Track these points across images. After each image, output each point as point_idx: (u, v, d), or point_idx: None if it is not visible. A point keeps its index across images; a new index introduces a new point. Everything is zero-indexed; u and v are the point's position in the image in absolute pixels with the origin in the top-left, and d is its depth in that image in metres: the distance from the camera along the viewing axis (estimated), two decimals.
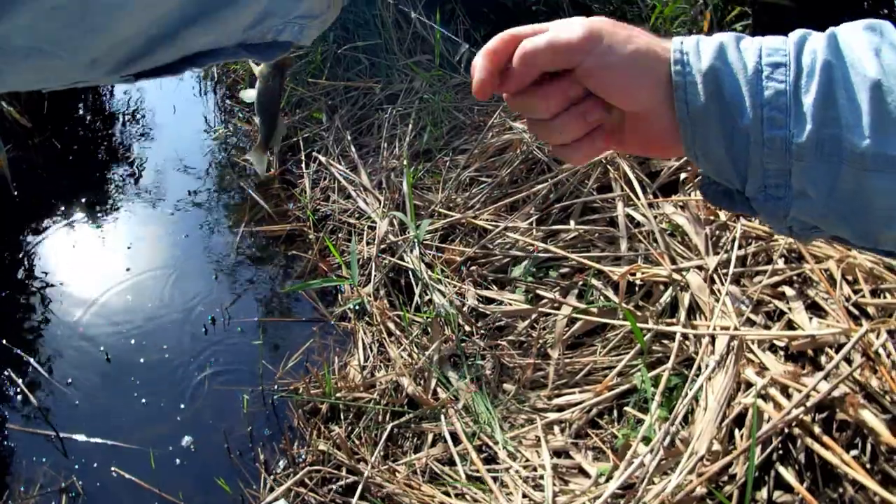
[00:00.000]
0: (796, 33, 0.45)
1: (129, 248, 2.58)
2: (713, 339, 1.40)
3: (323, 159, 2.76)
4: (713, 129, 0.45)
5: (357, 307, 2.12)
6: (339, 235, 2.46)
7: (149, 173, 3.01)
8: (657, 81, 0.46)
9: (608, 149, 0.51)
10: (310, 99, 3.16)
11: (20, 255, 2.58)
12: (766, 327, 1.38)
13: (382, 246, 2.26)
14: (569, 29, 0.45)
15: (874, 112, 0.41)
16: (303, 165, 2.79)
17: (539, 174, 2.13)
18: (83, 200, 2.83)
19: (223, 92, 3.66)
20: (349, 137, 2.81)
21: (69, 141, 3.20)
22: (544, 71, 0.46)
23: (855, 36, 0.44)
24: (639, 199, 1.79)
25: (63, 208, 2.80)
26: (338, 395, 1.87)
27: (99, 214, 2.77)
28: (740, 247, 1.52)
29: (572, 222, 1.91)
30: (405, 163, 2.46)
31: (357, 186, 2.60)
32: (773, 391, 1.25)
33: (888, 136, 0.41)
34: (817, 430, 1.16)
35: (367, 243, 2.31)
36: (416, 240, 2.16)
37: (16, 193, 2.66)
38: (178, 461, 1.86)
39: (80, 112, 3.56)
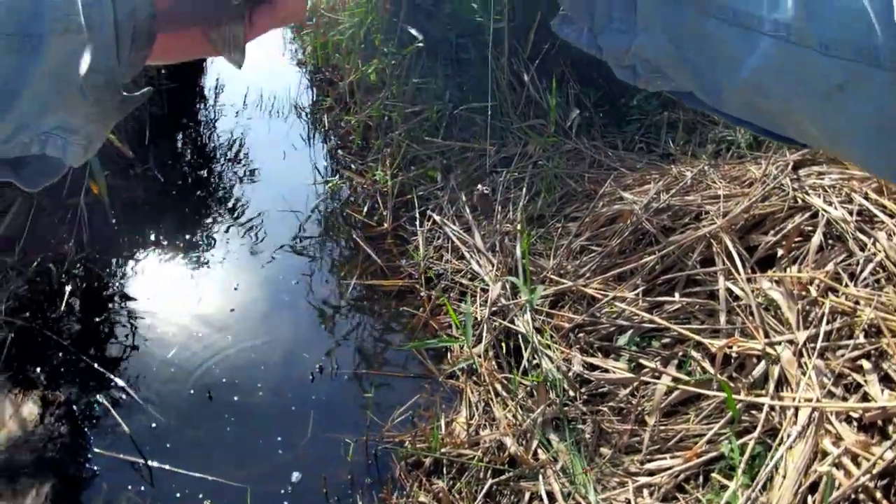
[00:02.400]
0: None
1: (235, 288, 3.06)
2: (797, 410, 1.76)
3: (437, 218, 3.29)
4: None
5: (466, 367, 2.60)
6: (451, 295, 2.95)
7: (252, 215, 3.56)
8: None
9: None
10: (425, 157, 3.74)
11: (117, 284, 3.11)
12: (844, 399, 1.72)
13: (494, 308, 2.72)
14: None
15: None
16: (416, 223, 3.33)
17: (647, 245, 2.55)
18: (183, 234, 3.42)
19: (335, 142, 4.34)
20: (464, 198, 3.34)
21: (171, 174, 3.86)
22: None
23: None
24: (738, 273, 2.18)
25: (162, 241, 3.38)
26: (443, 450, 2.33)
27: (199, 250, 3.32)
28: (827, 322, 1.88)
29: (676, 294, 2.32)
30: (519, 228, 2.95)
31: (471, 248, 3.10)
32: (845, 460, 1.60)
33: None
34: (878, 495, 1.51)
35: (479, 305, 2.79)
36: (528, 305, 2.62)
37: (114, 221, 3.29)
38: (276, 501, 2.21)
39: (184, 146, 4.32)
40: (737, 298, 2.17)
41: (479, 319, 2.72)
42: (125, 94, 0.50)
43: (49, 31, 0.44)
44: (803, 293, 2.04)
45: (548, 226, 3.00)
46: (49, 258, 3.01)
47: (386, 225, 3.44)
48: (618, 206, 2.75)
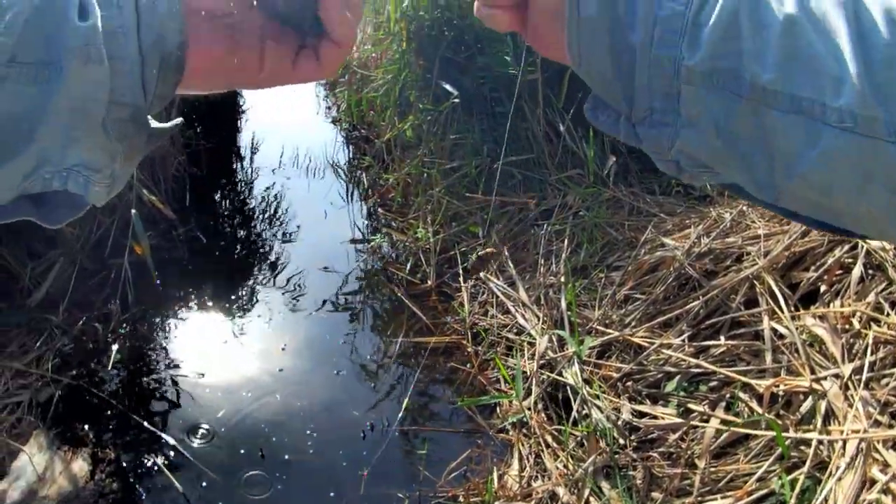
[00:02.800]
0: None
1: (282, 348, 3.25)
2: (845, 442, 1.91)
3: (481, 274, 3.51)
4: (601, 40, 0.53)
5: (517, 420, 2.77)
6: (498, 349, 3.14)
7: (294, 274, 3.81)
8: None
9: (516, 28, 0.62)
10: (465, 212, 3.98)
11: (163, 343, 3.30)
12: (891, 426, 1.87)
13: (542, 361, 2.90)
14: None
15: (783, 47, 0.45)
16: (460, 279, 3.56)
17: (690, 290, 2.73)
18: (226, 294, 3.67)
19: (374, 200, 4.62)
20: (506, 253, 3.56)
21: (213, 234, 4.17)
22: None
23: None
24: (782, 311, 2.34)
25: (206, 300, 3.62)
26: (496, 503, 2.50)
27: (243, 309, 3.56)
28: (871, 352, 2.04)
29: (722, 337, 2.48)
30: (563, 280, 3.15)
31: (515, 302, 3.30)
32: (893, 485, 1.74)
33: (796, 74, 0.45)
34: None
35: (527, 358, 2.98)
36: (576, 357, 2.80)
37: (158, 282, 3.51)
38: None
39: (224, 206, 4.64)
40: (781, 337, 2.33)
41: (527, 373, 2.90)
42: (153, 126, 0.54)
43: (69, 60, 0.44)
44: (846, 326, 2.19)
45: (591, 276, 3.19)
46: (94, 317, 3.28)
47: (430, 282, 3.66)
48: (660, 254, 2.94)
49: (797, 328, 2.29)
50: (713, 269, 2.75)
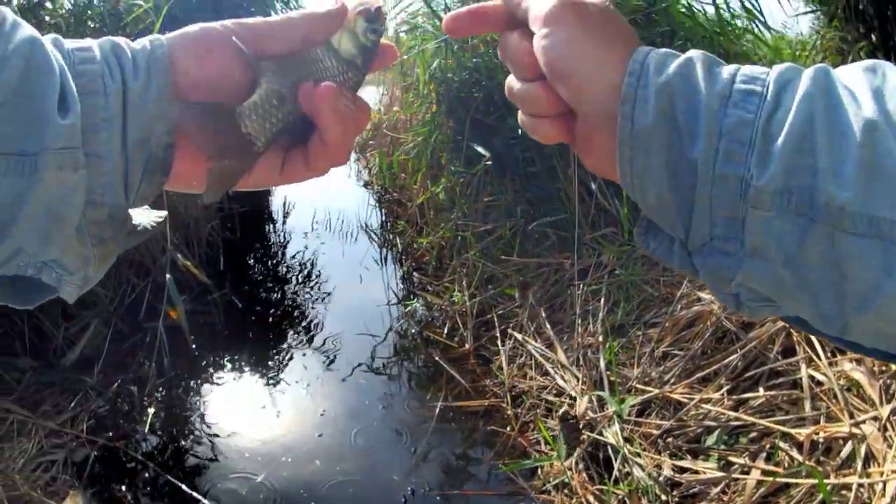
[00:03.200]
0: (783, 65, 0.50)
1: (321, 413, 3.40)
2: (885, 483, 2.05)
3: (518, 336, 3.69)
4: (658, 155, 0.51)
5: (559, 481, 2.91)
6: (538, 411, 3.30)
7: (330, 337, 4.04)
8: (606, 89, 0.54)
9: (564, 139, 0.61)
10: (501, 275, 4.19)
11: (199, 407, 3.49)
12: None
13: (582, 422, 3.06)
14: (546, 2, 0.57)
15: (863, 160, 0.44)
16: (498, 342, 3.74)
17: (728, 343, 2.89)
18: (262, 358, 3.90)
19: (409, 264, 4.85)
20: (543, 314, 3.75)
21: (247, 298, 4.44)
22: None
23: (851, 73, 0.48)
24: (820, 359, 2.50)
25: (242, 364, 3.86)
26: None
27: (279, 373, 3.76)
28: None
29: (760, 388, 2.64)
30: (601, 340, 3.33)
31: (554, 363, 3.47)
32: None
33: (876, 191, 0.43)
34: None
35: (567, 419, 3.13)
36: (616, 416, 2.96)
37: (194, 346, 3.76)
38: None
39: (258, 270, 4.91)
40: (819, 384, 2.48)
41: (567, 433, 3.05)
42: (135, 223, 0.56)
43: (44, 160, 0.46)
44: (883, 367, 2.35)
45: (629, 335, 3.36)
46: (129, 380, 3.52)
47: (467, 345, 3.85)
48: (696, 308, 3.11)
49: (835, 374, 2.44)
50: (750, 321, 2.92)
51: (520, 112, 0.63)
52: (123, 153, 0.51)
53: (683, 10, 4.86)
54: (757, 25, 4.50)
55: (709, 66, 0.51)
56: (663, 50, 0.54)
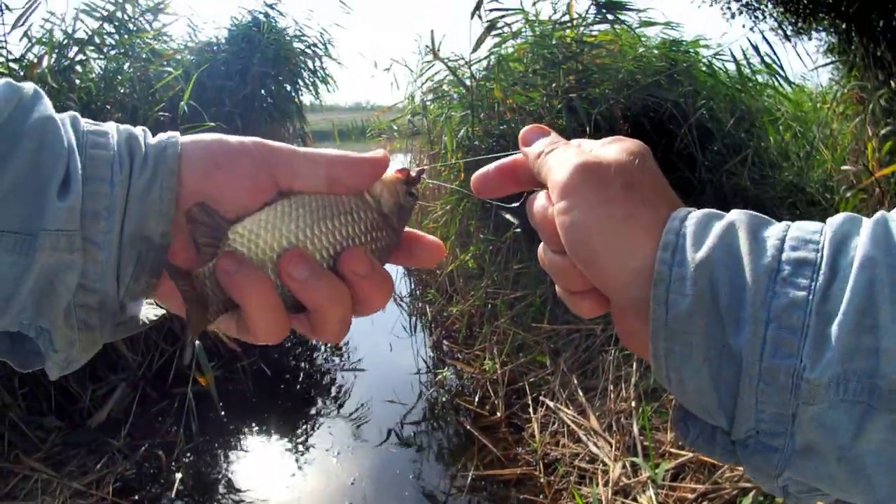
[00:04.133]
0: (839, 217, 0.44)
1: (351, 482, 3.36)
2: None
3: (550, 403, 3.65)
4: (697, 346, 0.45)
5: None
6: (571, 479, 3.25)
7: (359, 406, 4.04)
8: (635, 269, 0.49)
9: (598, 312, 0.57)
10: (532, 342, 4.17)
11: (228, 474, 3.48)
12: None
13: (616, 488, 3.00)
14: (564, 165, 0.53)
15: None
16: (530, 409, 3.71)
17: None
18: (291, 426, 3.90)
19: (440, 332, 4.85)
20: (575, 381, 3.71)
21: (276, 366, 4.45)
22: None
23: None
24: None
25: (272, 432, 3.84)
26: None
27: (308, 442, 3.74)
28: None
29: None
30: (633, 405, 3.28)
31: (587, 430, 3.43)
32: None
33: None
34: None
35: (601, 486, 3.07)
36: (650, 481, 2.90)
37: (223, 413, 3.77)
38: None
39: (287, 339, 4.90)
40: None
41: (602, 501, 2.99)
42: (125, 317, 0.54)
43: (40, 242, 0.46)
44: None
45: (661, 399, 3.31)
46: (157, 444, 3.52)
47: (499, 414, 3.82)
48: None
49: None
50: None
51: (556, 285, 0.59)
52: (116, 244, 0.50)
53: (705, 69, 4.94)
54: (777, 80, 4.53)
55: (754, 230, 0.45)
56: (703, 211, 0.48)
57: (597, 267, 0.50)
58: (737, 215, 0.47)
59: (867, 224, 0.43)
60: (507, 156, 0.63)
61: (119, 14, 5.34)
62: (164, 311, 0.58)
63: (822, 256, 0.42)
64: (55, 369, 0.51)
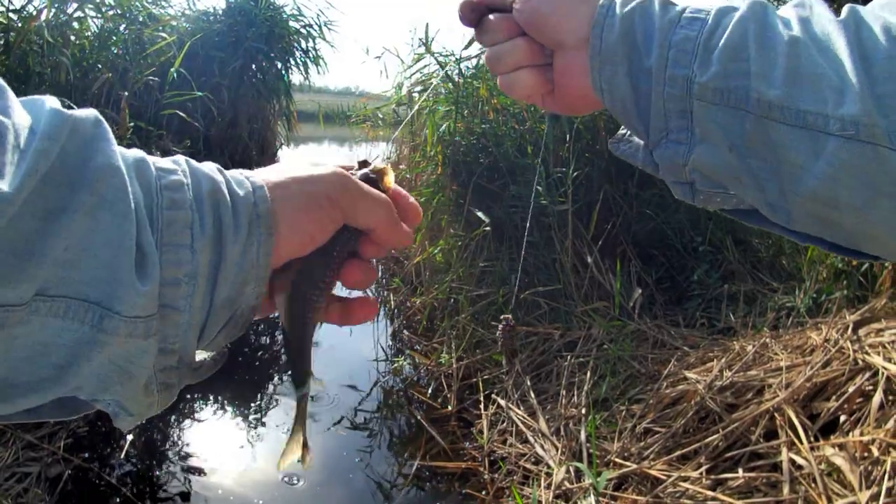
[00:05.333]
0: (723, 4, 0.61)
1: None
2: None
3: (502, 402, 3.66)
4: (620, 64, 0.63)
5: None
6: (515, 478, 3.26)
7: (316, 387, 4.06)
8: (582, 20, 0.67)
9: (541, 88, 0.74)
10: (490, 341, 4.18)
11: (176, 439, 3.49)
12: None
13: (558, 492, 3.01)
14: None
15: (788, 65, 0.53)
16: (481, 406, 3.71)
17: (711, 423, 2.87)
18: (245, 399, 3.89)
19: (401, 321, 4.84)
20: (528, 383, 3.73)
21: (236, 341, 4.43)
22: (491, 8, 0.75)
23: (784, 8, 0.58)
24: (802, 443, 2.48)
25: (225, 404, 3.84)
26: None
27: (260, 415, 3.76)
28: (889, 478, 2.16)
29: (740, 469, 2.61)
30: (584, 412, 3.30)
31: (535, 432, 3.44)
32: None
33: (800, 90, 0.52)
34: None
35: (543, 488, 3.09)
36: (592, 489, 2.91)
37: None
38: None
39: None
40: (800, 468, 2.46)
41: (542, 503, 3.00)
42: (200, 363, 0.55)
43: (113, 326, 0.42)
44: (865, 454, 2.32)
45: (612, 409, 3.34)
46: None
47: (450, 408, 3.82)
48: (682, 387, 3.10)
49: (816, 458, 2.42)
50: (734, 402, 2.90)
51: (500, 78, 0.76)
52: (205, 308, 0.49)
53: None
54: None
55: (664, 3, 0.63)
56: None
57: (556, 18, 0.68)
58: None
59: (745, 2, 0.59)
60: None
61: None
62: (226, 352, 0.60)
63: (709, 17, 0.59)
64: (127, 424, 0.49)
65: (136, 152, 0.49)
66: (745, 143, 0.55)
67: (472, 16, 0.76)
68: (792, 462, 2.50)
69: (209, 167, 0.52)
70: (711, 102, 0.56)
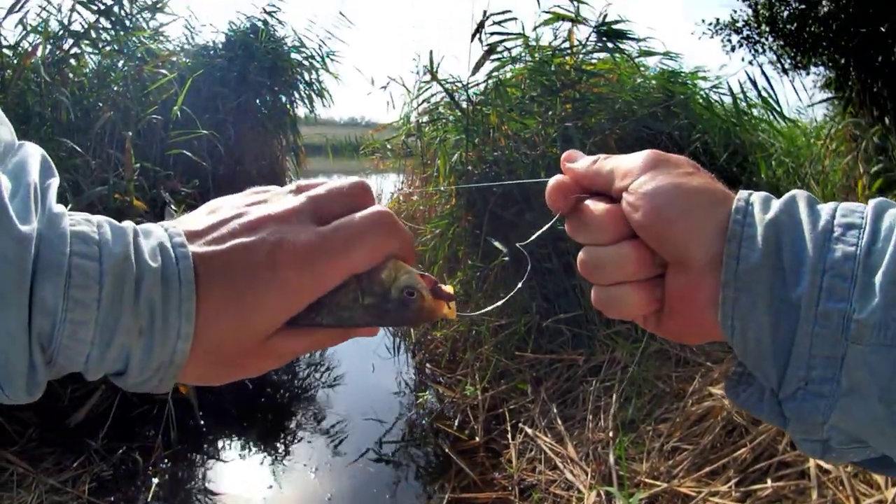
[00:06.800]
0: (877, 199, 0.54)
1: (328, 499, 3.52)
2: None
3: (529, 431, 3.84)
4: (761, 295, 0.53)
5: None
6: None
7: (339, 422, 4.22)
8: (714, 230, 0.56)
9: (649, 308, 0.62)
10: (514, 370, 4.37)
11: (204, 482, 3.63)
12: None
13: None
14: (633, 157, 0.61)
15: None
16: (508, 436, 3.89)
17: (738, 437, 3.05)
18: (270, 438, 4.07)
19: (423, 355, 5.04)
20: (555, 410, 3.91)
21: (258, 379, 4.59)
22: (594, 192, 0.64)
23: None
24: None
25: (250, 443, 4.03)
26: None
27: (286, 454, 3.92)
28: None
29: (769, 480, 2.79)
30: (611, 435, 3.48)
31: (564, 458, 3.61)
32: None
33: None
34: None
35: None
36: None
37: (202, 422, 3.95)
38: None
39: None
40: (827, 472, 2.64)
41: None
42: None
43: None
44: None
45: (639, 430, 3.52)
46: (135, 448, 3.70)
47: (477, 439, 4.00)
48: (707, 403, 3.28)
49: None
50: None
51: (595, 289, 0.64)
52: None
53: (702, 101, 5.17)
54: (773, 115, 4.76)
55: (811, 203, 0.55)
56: (763, 193, 0.58)
57: (685, 226, 0.57)
58: (797, 192, 0.56)
59: None
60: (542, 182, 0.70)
61: (116, 9, 5.45)
62: None
63: (866, 222, 0.52)
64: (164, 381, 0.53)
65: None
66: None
67: (564, 203, 0.66)
68: (819, 467, 2.68)
69: None
70: (868, 344, 0.48)
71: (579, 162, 0.66)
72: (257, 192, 0.60)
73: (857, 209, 0.53)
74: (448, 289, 0.63)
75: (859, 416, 0.50)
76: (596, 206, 0.62)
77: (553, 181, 0.67)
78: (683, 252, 0.57)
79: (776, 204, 0.55)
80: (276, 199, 0.58)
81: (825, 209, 0.54)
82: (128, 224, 0.52)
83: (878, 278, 0.48)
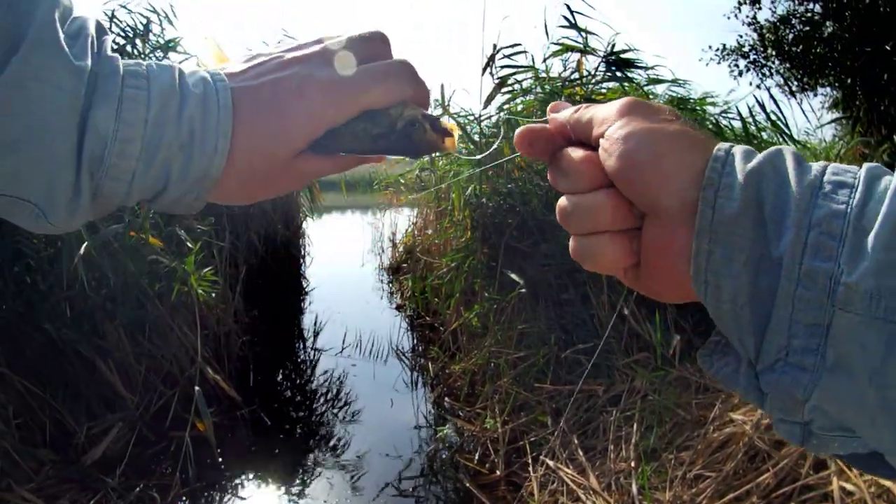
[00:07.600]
0: (870, 164, 0.49)
1: None
2: None
3: (550, 463, 3.90)
4: (739, 249, 0.49)
5: None
6: None
7: (357, 457, 4.29)
8: (690, 177, 0.53)
9: (626, 261, 0.59)
10: (534, 402, 4.43)
11: None
12: None
13: None
14: (612, 104, 0.59)
15: None
16: (530, 468, 3.95)
17: (761, 462, 3.10)
18: (289, 476, 4.12)
19: (441, 389, 5.11)
20: (576, 441, 3.97)
21: (276, 415, 4.73)
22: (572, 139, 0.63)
23: None
24: (851, 469, 2.71)
25: (268, 481, 4.08)
26: None
27: (305, 492, 3.96)
28: None
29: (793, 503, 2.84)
30: (633, 465, 3.53)
31: (586, 489, 3.66)
32: None
33: None
34: None
35: None
36: None
37: (220, 459, 4.02)
38: None
39: (287, 387, 5.25)
40: (850, 494, 2.69)
41: None
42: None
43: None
44: None
45: (661, 458, 3.57)
46: (152, 486, 3.76)
47: (498, 472, 4.05)
48: (729, 430, 3.34)
49: (865, 482, 2.65)
50: (782, 439, 3.13)
51: (572, 239, 0.62)
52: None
53: (711, 126, 5.26)
54: (782, 138, 4.82)
55: (798, 159, 0.51)
56: (747, 146, 0.54)
57: (657, 170, 0.54)
58: (782, 146, 0.52)
59: None
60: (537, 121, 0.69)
61: (129, 48, 5.67)
62: None
63: (858, 181, 0.48)
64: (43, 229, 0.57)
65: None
66: (887, 370, 0.43)
67: (539, 148, 0.67)
68: (842, 489, 2.73)
69: None
70: (858, 313, 0.44)
71: (563, 112, 0.66)
72: (288, 44, 0.68)
73: (850, 170, 0.49)
74: (451, 125, 0.70)
75: (846, 397, 0.45)
76: (574, 153, 0.61)
77: (521, 128, 0.67)
78: (654, 199, 0.54)
79: (760, 155, 0.52)
80: (306, 46, 0.65)
81: (814, 166, 0.50)
82: (173, 61, 0.63)
83: (869, 240, 0.44)
